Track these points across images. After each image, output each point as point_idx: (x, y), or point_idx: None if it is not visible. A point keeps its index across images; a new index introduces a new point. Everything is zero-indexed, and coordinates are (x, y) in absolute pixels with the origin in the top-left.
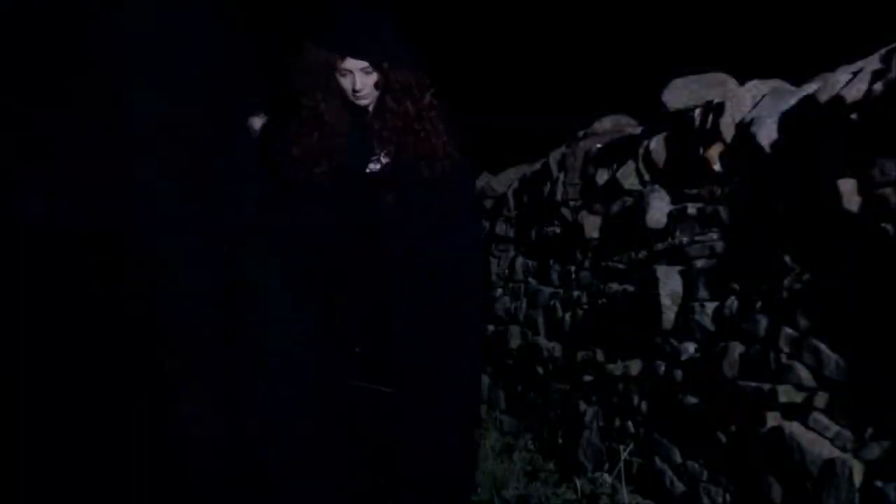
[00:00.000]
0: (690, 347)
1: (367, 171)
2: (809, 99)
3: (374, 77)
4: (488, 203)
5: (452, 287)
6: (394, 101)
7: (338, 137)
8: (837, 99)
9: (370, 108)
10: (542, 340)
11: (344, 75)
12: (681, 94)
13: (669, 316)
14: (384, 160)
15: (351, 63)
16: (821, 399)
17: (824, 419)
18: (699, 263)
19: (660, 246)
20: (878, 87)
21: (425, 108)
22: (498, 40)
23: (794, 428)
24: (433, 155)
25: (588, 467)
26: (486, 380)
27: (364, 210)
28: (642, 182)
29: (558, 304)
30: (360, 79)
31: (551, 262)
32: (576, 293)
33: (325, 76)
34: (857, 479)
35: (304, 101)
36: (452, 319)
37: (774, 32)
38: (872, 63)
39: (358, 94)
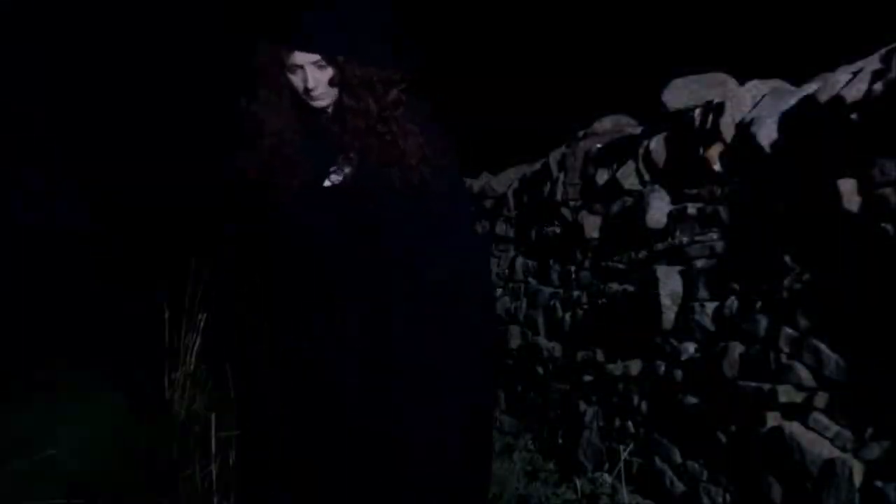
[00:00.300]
0: (690, 347)
1: (329, 183)
2: (809, 99)
3: (328, 72)
4: (488, 203)
5: (451, 292)
6: (352, 97)
7: (286, 145)
8: (837, 99)
9: (329, 111)
10: (542, 340)
11: (294, 72)
12: (681, 94)
13: (669, 316)
14: (346, 170)
15: (300, 57)
16: (821, 399)
17: (824, 419)
18: (699, 263)
19: (660, 246)
20: (878, 87)
21: (389, 106)
22: (498, 40)
23: (794, 428)
24: (403, 160)
25: (588, 467)
26: None
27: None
28: (642, 182)
29: (558, 304)
30: (311, 74)
31: (551, 262)
32: (576, 293)
33: (274, 75)
34: (857, 479)
35: (244, 104)
36: (453, 322)
37: (774, 32)
38: (872, 63)
39: (312, 94)
